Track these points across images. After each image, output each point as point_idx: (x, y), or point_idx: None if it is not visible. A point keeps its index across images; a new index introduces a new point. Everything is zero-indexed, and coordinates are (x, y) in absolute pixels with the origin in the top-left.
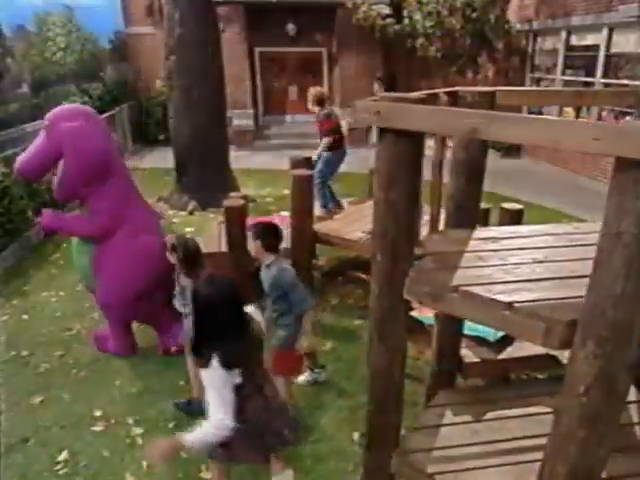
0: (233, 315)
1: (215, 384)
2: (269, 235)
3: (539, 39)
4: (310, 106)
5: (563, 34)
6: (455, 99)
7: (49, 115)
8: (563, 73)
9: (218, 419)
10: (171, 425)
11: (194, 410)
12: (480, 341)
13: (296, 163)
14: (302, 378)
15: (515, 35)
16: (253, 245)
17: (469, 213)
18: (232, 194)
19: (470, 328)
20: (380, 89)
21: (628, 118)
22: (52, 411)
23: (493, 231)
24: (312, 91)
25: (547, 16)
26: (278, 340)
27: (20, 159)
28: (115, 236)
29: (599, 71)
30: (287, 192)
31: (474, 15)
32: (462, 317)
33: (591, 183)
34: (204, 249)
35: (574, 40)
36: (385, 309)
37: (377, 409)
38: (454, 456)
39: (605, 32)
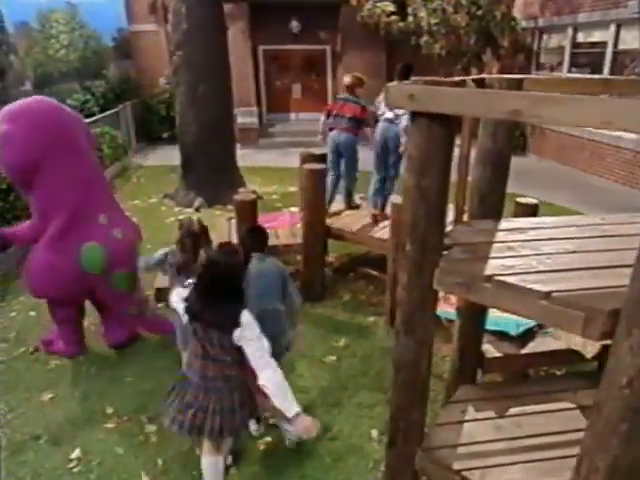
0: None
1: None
2: (248, 237)
3: (545, 36)
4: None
5: (569, 31)
6: (482, 86)
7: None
8: (569, 71)
9: None
10: None
11: None
12: (502, 336)
13: (306, 158)
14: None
15: (520, 32)
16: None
17: (494, 204)
18: (241, 190)
19: (492, 323)
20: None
21: None
22: (63, 408)
23: (519, 222)
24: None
25: (553, 13)
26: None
27: None
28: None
29: (606, 68)
30: (293, 189)
31: (479, 12)
32: (495, 307)
33: (598, 181)
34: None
35: (580, 37)
36: (414, 300)
37: (401, 405)
38: (479, 452)
39: (613, 29)
